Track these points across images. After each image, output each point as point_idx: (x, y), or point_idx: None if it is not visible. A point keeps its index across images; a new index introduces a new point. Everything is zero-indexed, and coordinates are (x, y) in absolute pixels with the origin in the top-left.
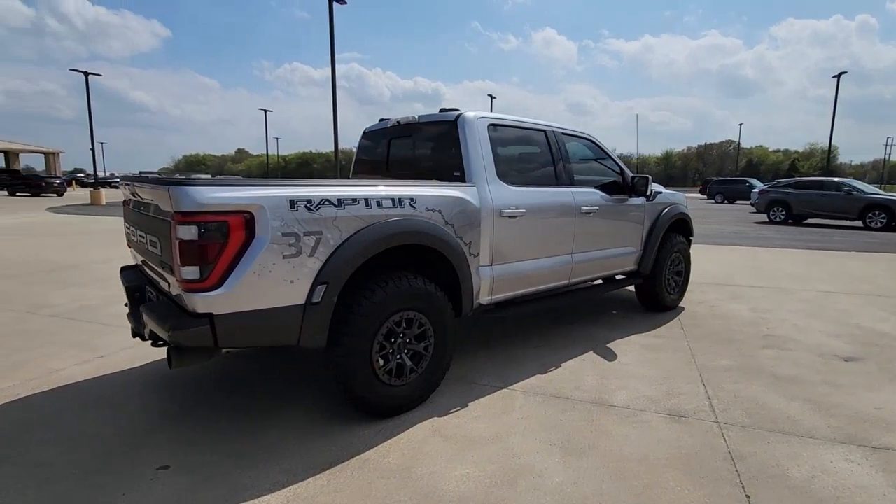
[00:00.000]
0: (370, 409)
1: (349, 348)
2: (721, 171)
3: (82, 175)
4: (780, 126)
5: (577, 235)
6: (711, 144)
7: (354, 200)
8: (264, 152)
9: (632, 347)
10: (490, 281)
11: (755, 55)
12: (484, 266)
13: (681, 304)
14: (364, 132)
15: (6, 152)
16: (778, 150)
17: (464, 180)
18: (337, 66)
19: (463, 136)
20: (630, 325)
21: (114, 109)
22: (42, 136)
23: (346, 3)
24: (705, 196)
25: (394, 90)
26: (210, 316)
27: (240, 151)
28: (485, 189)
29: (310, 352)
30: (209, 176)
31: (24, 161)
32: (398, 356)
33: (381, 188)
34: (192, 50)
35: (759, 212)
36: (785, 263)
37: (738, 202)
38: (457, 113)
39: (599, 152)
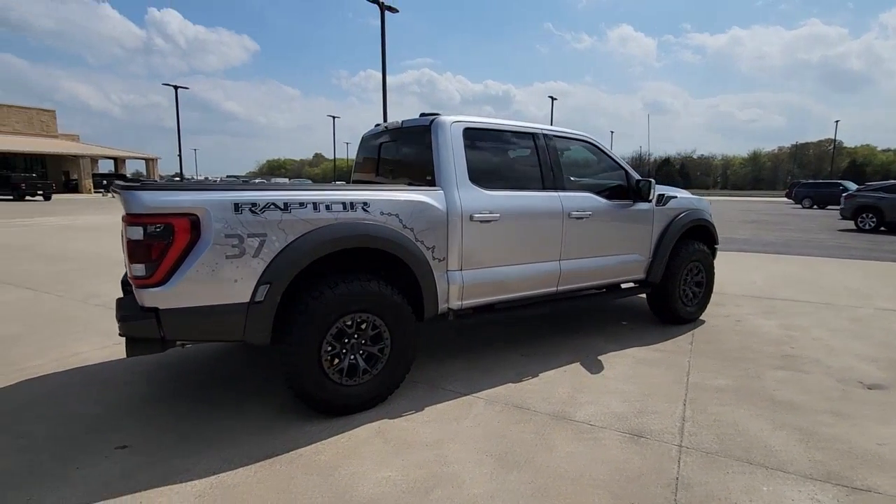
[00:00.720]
0: (320, 407)
1: (296, 347)
2: (818, 174)
3: (178, 178)
4: (891, 123)
5: (567, 241)
6: (807, 144)
7: (302, 204)
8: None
9: (624, 360)
10: (460, 286)
11: (862, 45)
12: (453, 271)
13: (703, 318)
14: (362, 137)
15: (115, 158)
16: (888, 150)
17: (434, 184)
18: (408, 72)
19: (435, 141)
20: (634, 337)
21: (209, 119)
22: (152, 143)
23: (397, 11)
24: (792, 201)
25: (464, 94)
26: (156, 310)
27: (317, 156)
28: (454, 193)
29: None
30: (286, 179)
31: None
32: (352, 356)
33: (331, 192)
34: (277, 62)
35: (844, 218)
36: (850, 277)
37: (829, 207)
38: (432, 118)
39: (600, 156)
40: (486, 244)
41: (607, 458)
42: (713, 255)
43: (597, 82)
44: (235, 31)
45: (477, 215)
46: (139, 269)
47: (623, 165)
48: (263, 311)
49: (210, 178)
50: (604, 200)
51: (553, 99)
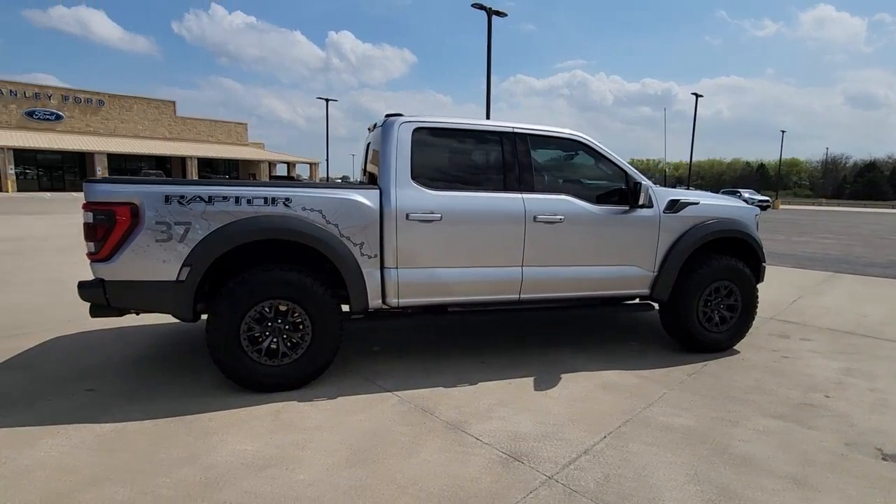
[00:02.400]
0: (241, 382)
1: (216, 324)
2: None
3: (340, 179)
4: None
5: (532, 247)
6: None
7: (225, 198)
8: None
9: (586, 382)
10: (395, 284)
11: None
12: (389, 268)
13: (739, 348)
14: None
15: (287, 162)
16: None
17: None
18: (558, 75)
19: (383, 141)
20: (625, 360)
21: None
22: (324, 149)
23: (505, 15)
24: None
25: (618, 94)
26: (102, 281)
27: None
28: (391, 192)
29: None
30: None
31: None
32: (273, 339)
33: (254, 188)
34: (432, 72)
35: None
36: None
37: None
38: (386, 118)
39: (594, 156)
40: (425, 244)
41: (458, 473)
42: (757, 274)
43: (781, 75)
44: (397, 46)
45: (414, 215)
46: (90, 246)
47: (623, 167)
48: (186, 290)
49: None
50: (586, 205)
51: (698, 96)
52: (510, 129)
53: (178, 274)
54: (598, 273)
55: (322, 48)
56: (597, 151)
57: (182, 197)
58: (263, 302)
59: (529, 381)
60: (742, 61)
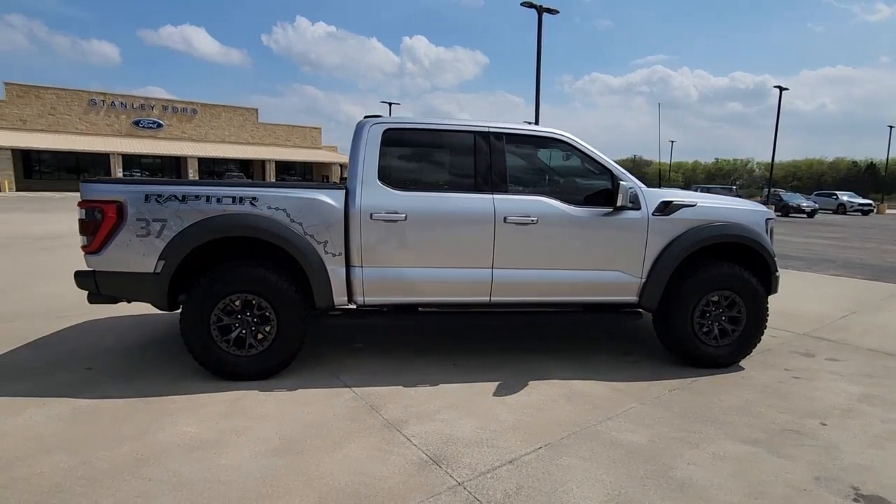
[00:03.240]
0: (211, 370)
1: (188, 315)
2: None
3: None
4: None
5: (502, 249)
6: None
7: (196, 197)
8: None
9: (550, 391)
10: (360, 282)
11: None
12: (354, 266)
13: (747, 364)
14: None
15: (343, 165)
16: None
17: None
18: (637, 72)
19: (353, 142)
20: (607, 370)
21: None
22: None
23: (557, 12)
24: None
25: (703, 89)
26: (93, 272)
27: None
28: (356, 192)
29: None
30: None
31: None
32: (242, 331)
33: (224, 188)
34: (504, 73)
35: None
36: None
37: None
38: (361, 120)
39: (577, 156)
40: (390, 244)
41: (371, 471)
42: (769, 285)
43: None
44: (469, 48)
45: (377, 214)
46: (83, 239)
47: (609, 167)
48: (161, 281)
49: None
50: (563, 206)
51: (782, 89)
52: (484, 129)
53: (155, 266)
54: (577, 278)
55: (396, 53)
56: (579, 150)
57: (159, 196)
58: (231, 295)
59: (493, 385)
60: (850, 50)
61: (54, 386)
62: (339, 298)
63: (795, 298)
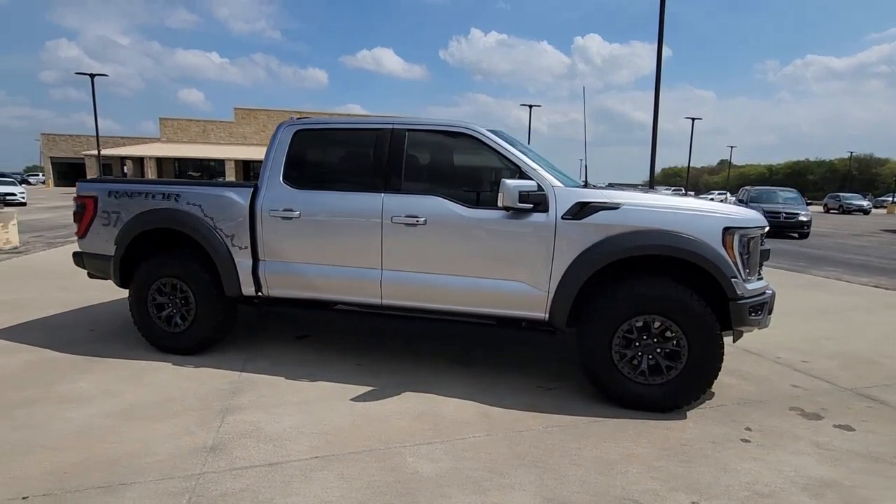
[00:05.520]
0: (150, 342)
1: (132, 292)
2: None
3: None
4: None
5: (391, 249)
6: None
7: (140, 193)
8: (751, 163)
9: (408, 406)
10: (263, 275)
11: None
12: (260, 260)
13: (699, 414)
14: None
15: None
16: None
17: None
18: (871, 49)
19: (269, 143)
20: (513, 396)
21: (619, 130)
22: (564, 154)
23: None
24: None
25: None
26: (81, 253)
27: (721, 162)
28: (261, 190)
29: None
30: (602, 185)
31: None
32: (172, 310)
33: (161, 185)
34: (690, 65)
35: None
36: None
37: None
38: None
39: (487, 151)
40: (286, 240)
41: (156, 445)
42: (718, 313)
43: None
44: (649, 42)
45: (275, 212)
46: (76, 227)
47: (519, 163)
48: (115, 263)
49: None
50: (456, 206)
51: None
52: (388, 127)
53: (113, 250)
54: (474, 286)
55: (567, 55)
56: (487, 145)
57: (117, 192)
58: (162, 279)
59: (364, 390)
60: None
61: (54, 339)
62: (247, 289)
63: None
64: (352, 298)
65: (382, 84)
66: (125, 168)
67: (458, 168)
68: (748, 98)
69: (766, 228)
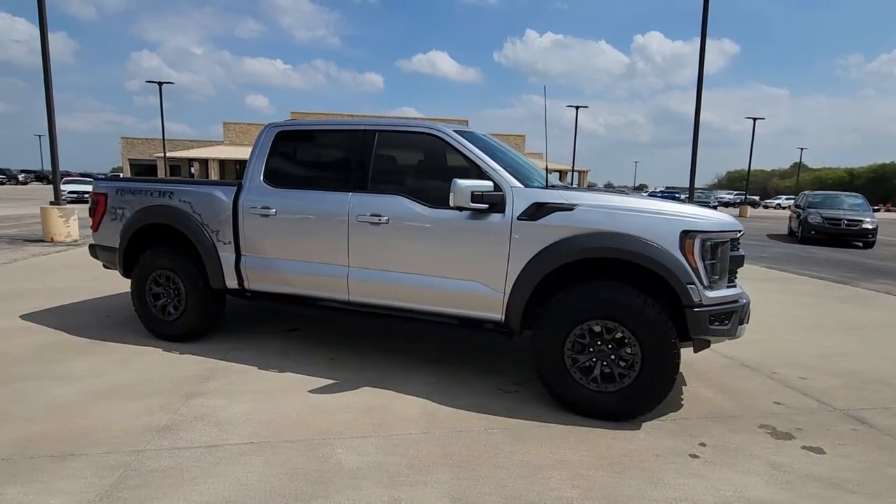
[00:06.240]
0: (148, 329)
1: (133, 281)
2: None
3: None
4: None
5: (356, 247)
6: None
7: (142, 191)
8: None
9: (362, 401)
10: (245, 269)
11: None
12: (242, 255)
13: (658, 426)
14: None
15: (559, 172)
16: None
17: None
18: None
19: (254, 143)
20: (471, 397)
21: (679, 131)
22: (621, 157)
23: None
24: None
25: None
26: (94, 245)
27: (794, 165)
28: (243, 188)
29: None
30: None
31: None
32: (166, 300)
33: (156, 184)
34: (760, 61)
35: None
36: None
37: None
38: None
39: (452, 152)
40: (263, 236)
41: (118, 422)
42: (674, 319)
43: None
44: (715, 38)
45: (254, 209)
46: (91, 222)
47: (481, 164)
48: (119, 255)
49: (647, 192)
50: (416, 206)
51: None
52: (360, 128)
53: (118, 243)
54: (434, 285)
55: (626, 54)
56: (451, 146)
57: (123, 190)
58: (157, 270)
59: (325, 382)
60: None
61: (70, 323)
62: (231, 282)
63: None
64: (322, 294)
65: (437, 87)
66: (192, 169)
67: (423, 169)
68: (827, 96)
69: (740, 233)
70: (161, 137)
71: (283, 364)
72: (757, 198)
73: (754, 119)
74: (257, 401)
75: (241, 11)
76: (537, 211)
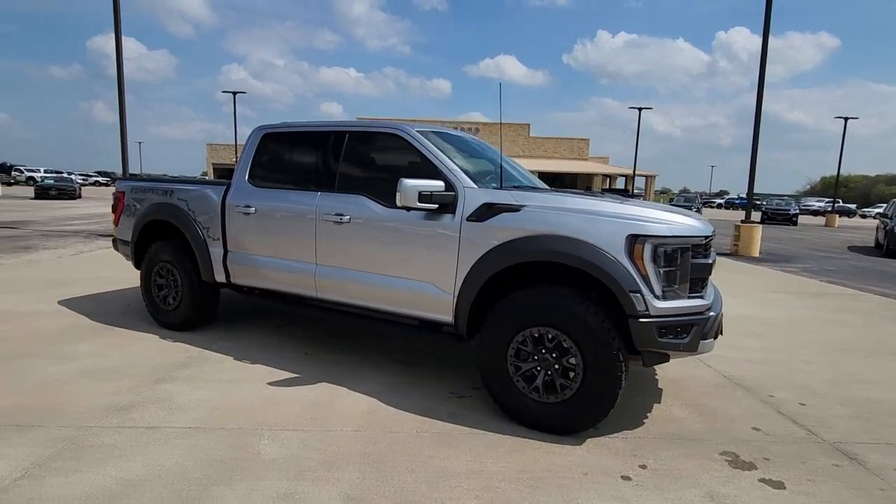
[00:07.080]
0: (152, 316)
1: (142, 276)
2: None
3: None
4: None
5: (322, 245)
6: None
7: (150, 190)
8: None
9: (312, 396)
10: (230, 264)
11: None
12: (229, 251)
13: (598, 445)
14: None
15: (625, 176)
16: None
17: None
18: None
19: (244, 145)
20: (422, 399)
21: (770, 133)
22: (700, 161)
23: None
24: None
25: None
26: (115, 238)
27: None
28: (231, 188)
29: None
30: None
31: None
32: (167, 291)
33: (161, 184)
34: (862, 55)
35: None
36: None
37: None
38: None
39: (413, 153)
40: (245, 233)
41: (86, 400)
42: (622, 329)
43: None
44: (810, 31)
45: (237, 207)
46: (113, 217)
47: (437, 164)
48: (131, 248)
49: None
50: (375, 205)
51: None
52: (332, 129)
53: (132, 237)
54: (390, 285)
55: (707, 52)
56: (413, 146)
57: (137, 189)
58: (160, 263)
59: (288, 375)
60: None
61: (92, 311)
62: (219, 276)
63: None
64: (295, 291)
65: (505, 90)
66: None
67: (387, 168)
68: None
69: (708, 238)
70: (242, 143)
71: (259, 356)
72: (853, 206)
73: (845, 119)
74: (217, 389)
75: (318, 24)
76: (486, 212)
